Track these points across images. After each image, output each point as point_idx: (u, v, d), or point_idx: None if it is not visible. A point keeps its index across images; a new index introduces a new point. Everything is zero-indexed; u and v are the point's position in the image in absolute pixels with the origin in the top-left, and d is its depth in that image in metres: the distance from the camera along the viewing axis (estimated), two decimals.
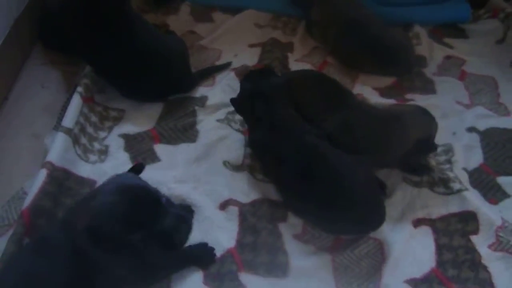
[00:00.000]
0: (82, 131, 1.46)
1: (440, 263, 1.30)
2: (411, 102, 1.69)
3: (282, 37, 1.93)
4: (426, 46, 1.92)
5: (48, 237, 1.09)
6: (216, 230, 1.31)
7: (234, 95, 1.60)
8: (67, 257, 1.02)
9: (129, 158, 1.45)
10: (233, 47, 1.85)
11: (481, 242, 1.34)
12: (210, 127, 1.55)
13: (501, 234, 1.34)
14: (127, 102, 1.60)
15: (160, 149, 1.49)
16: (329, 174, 1.26)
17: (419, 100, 1.71)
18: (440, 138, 1.48)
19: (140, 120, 1.56)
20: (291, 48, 1.89)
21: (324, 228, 1.32)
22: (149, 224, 1.00)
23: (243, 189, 1.41)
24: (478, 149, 1.57)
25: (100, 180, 1.33)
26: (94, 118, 1.53)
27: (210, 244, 1.27)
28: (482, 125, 1.64)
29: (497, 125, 1.64)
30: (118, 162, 1.42)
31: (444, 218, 1.39)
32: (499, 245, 1.33)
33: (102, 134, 1.52)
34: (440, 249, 1.33)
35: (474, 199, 1.41)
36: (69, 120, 1.44)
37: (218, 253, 1.26)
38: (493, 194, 1.46)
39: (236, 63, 1.78)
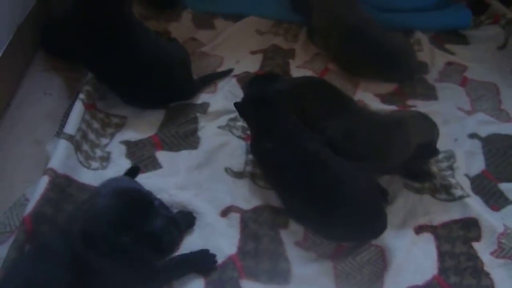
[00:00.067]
0: (84, 138, 1.46)
1: (442, 270, 1.30)
2: (413, 109, 1.69)
3: (284, 43, 1.93)
4: (427, 52, 1.93)
5: (48, 243, 1.09)
6: (217, 236, 1.31)
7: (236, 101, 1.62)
8: (66, 262, 1.03)
9: (131, 164, 1.44)
10: (235, 53, 1.86)
11: (483, 249, 1.34)
12: (212, 134, 1.55)
13: (503, 241, 1.34)
14: (129, 109, 1.60)
15: (161, 155, 1.49)
16: (330, 181, 1.26)
17: (421, 106, 1.71)
18: (442, 145, 1.47)
19: (142, 127, 1.56)
20: (292, 54, 1.89)
21: (326, 235, 1.31)
22: (139, 225, 1.00)
23: (245, 196, 1.41)
24: (480, 156, 1.57)
25: None
26: (96, 125, 1.53)
27: (212, 250, 1.27)
28: (483, 132, 1.63)
29: (498, 132, 1.64)
30: (120, 169, 1.42)
31: (446, 225, 1.38)
32: (501, 252, 1.33)
33: (104, 141, 1.52)
34: (442, 256, 1.32)
35: (476, 206, 1.40)
36: (71, 127, 1.44)
37: (220, 260, 1.26)
38: (495, 201, 1.46)
39: (237, 70, 1.78)
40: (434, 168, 1.50)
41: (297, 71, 1.82)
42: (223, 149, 1.51)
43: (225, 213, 1.37)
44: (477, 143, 1.60)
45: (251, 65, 1.82)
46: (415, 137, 1.38)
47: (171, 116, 1.60)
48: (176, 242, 1.09)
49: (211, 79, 1.75)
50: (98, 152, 1.48)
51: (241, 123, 1.59)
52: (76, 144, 1.42)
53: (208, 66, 1.81)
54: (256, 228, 1.34)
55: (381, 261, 1.29)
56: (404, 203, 1.42)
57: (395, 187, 1.45)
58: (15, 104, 1.59)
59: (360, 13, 1.85)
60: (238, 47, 1.89)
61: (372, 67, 1.80)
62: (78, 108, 1.50)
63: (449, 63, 1.92)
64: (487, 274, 1.29)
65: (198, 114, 1.61)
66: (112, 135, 1.54)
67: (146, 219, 1.01)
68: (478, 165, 1.54)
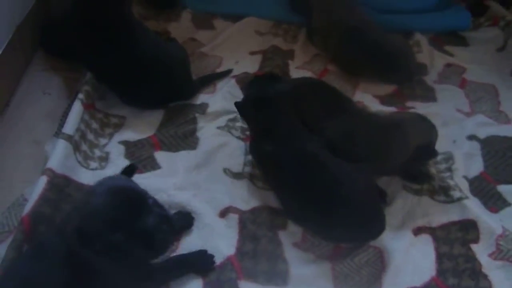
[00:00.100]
0: (82, 138, 1.46)
1: (441, 271, 1.30)
2: (412, 110, 1.69)
3: (283, 44, 1.93)
4: (426, 54, 1.93)
5: (45, 243, 1.09)
6: (216, 237, 1.31)
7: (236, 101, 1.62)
8: (63, 261, 1.03)
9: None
10: (234, 54, 1.86)
11: (481, 251, 1.34)
12: (211, 134, 1.55)
13: (501, 242, 1.34)
14: (128, 109, 1.60)
15: (160, 156, 1.49)
16: (328, 182, 1.26)
17: (420, 108, 1.71)
18: (441, 146, 1.48)
19: (140, 127, 1.56)
20: (291, 55, 1.89)
21: (324, 236, 1.31)
22: (132, 223, 1.01)
23: (243, 197, 1.41)
24: (479, 157, 1.57)
25: None
26: (95, 125, 1.53)
27: (210, 251, 1.27)
28: (482, 133, 1.63)
29: (497, 133, 1.64)
30: (118, 169, 1.37)
31: (444, 227, 1.38)
32: (499, 254, 1.33)
33: (102, 141, 1.52)
34: (440, 257, 1.32)
35: (474, 208, 1.41)
36: (70, 127, 1.44)
37: (218, 260, 1.26)
38: (494, 203, 1.45)
39: (237, 70, 1.78)
40: (432, 170, 1.50)
41: (296, 72, 1.82)
42: (222, 149, 1.51)
43: (223, 213, 1.37)
44: (476, 145, 1.60)
45: (250, 65, 1.82)
46: (414, 139, 1.38)
47: (170, 117, 1.60)
48: (169, 240, 1.09)
49: (210, 79, 1.75)
50: (97, 152, 1.48)
51: (240, 123, 1.59)
52: (75, 144, 1.42)
53: (207, 66, 1.81)
54: (254, 229, 1.34)
55: (380, 263, 1.29)
56: (402, 204, 1.42)
57: (393, 188, 1.45)
58: (14, 103, 1.59)
59: (359, 14, 1.85)
60: (238, 48, 1.89)
61: (371, 68, 1.80)
62: (77, 108, 1.50)
63: (448, 65, 1.92)
64: (485, 276, 1.29)
65: (197, 115, 1.61)
66: (111, 135, 1.54)
67: (139, 217, 1.01)
68: (476, 166, 1.54)
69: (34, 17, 1.72)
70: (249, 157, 1.48)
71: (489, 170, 1.54)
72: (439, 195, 1.45)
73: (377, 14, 1.97)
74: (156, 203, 1.10)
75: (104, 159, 1.47)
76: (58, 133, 1.45)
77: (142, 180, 1.35)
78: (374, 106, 1.72)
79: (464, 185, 1.47)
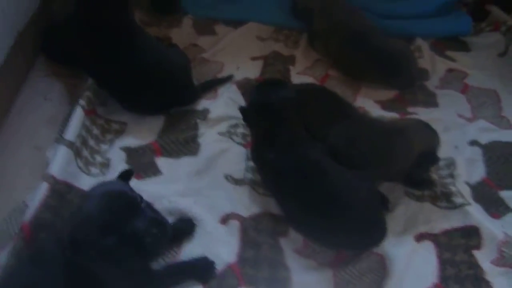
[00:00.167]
0: (84, 144, 1.46)
1: (443, 278, 1.29)
2: (414, 116, 1.69)
3: (284, 50, 1.94)
4: (428, 59, 1.93)
5: (45, 249, 1.09)
6: (217, 244, 1.30)
7: (236, 108, 1.61)
8: (63, 268, 1.03)
9: None
10: (235, 60, 1.86)
11: (484, 257, 1.33)
12: (212, 140, 1.55)
13: (504, 249, 1.33)
14: (129, 115, 1.60)
15: (161, 162, 1.48)
16: (329, 189, 1.25)
17: (421, 113, 1.71)
18: (442, 152, 1.47)
19: (141, 133, 1.56)
20: (293, 61, 1.89)
21: (326, 243, 1.31)
22: (122, 227, 1.01)
23: (245, 203, 1.40)
24: (481, 163, 1.57)
25: None
26: (96, 131, 1.53)
27: (211, 258, 1.26)
28: (484, 139, 1.63)
29: (499, 139, 1.64)
30: None
31: (446, 233, 1.37)
32: (501, 260, 1.32)
33: (103, 147, 1.52)
34: (442, 264, 1.31)
35: (476, 214, 1.40)
36: (71, 133, 1.44)
37: (219, 267, 1.26)
38: (496, 209, 1.45)
39: (238, 76, 1.78)
40: (434, 176, 1.50)
41: (297, 77, 1.82)
42: (223, 155, 1.51)
43: (224, 220, 1.36)
44: (477, 151, 1.60)
45: (252, 71, 1.82)
46: (416, 145, 1.38)
47: (171, 122, 1.60)
48: (160, 243, 1.09)
49: (212, 85, 1.75)
50: (98, 158, 1.48)
51: (241, 129, 1.59)
52: (76, 150, 1.42)
53: (208, 72, 1.81)
54: (255, 236, 1.33)
55: (382, 269, 1.28)
56: (404, 210, 1.41)
57: (395, 194, 1.44)
58: (15, 109, 1.59)
59: (361, 19, 1.86)
60: (239, 53, 1.89)
61: (373, 73, 1.80)
62: (78, 114, 1.50)
63: (449, 70, 1.92)
64: (487, 283, 1.28)
65: (198, 120, 1.61)
66: (112, 141, 1.54)
67: (129, 221, 1.01)
68: (478, 172, 1.54)
69: (35, 23, 1.72)
70: (250, 163, 1.48)
71: (491, 176, 1.53)
72: (441, 201, 1.44)
73: (378, 19, 1.97)
74: (149, 207, 1.10)
75: (105, 165, 1.47)
76: (59, 139, 1.45)
77: (143, 186, 1.36)
78: (376, 111, 1.71)
79: (466, 191, 1.46)
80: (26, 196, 1.32)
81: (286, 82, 1.62)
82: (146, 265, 1.16)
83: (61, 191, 1.32)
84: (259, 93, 1.41)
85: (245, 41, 1.95)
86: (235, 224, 1.35)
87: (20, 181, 1.39)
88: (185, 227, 1.33)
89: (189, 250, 1.29)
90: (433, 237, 1.36)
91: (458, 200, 1.43)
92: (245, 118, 1.40)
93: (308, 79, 1.81)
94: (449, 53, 2.00)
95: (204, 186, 1.43)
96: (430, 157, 1.42)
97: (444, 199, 1.44)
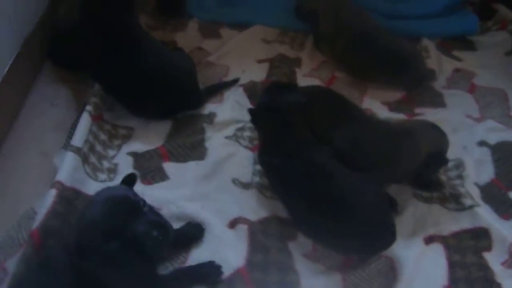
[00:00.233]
0: (91, 150, 1.47)
1: (453, 280, 1.27)
2: (421, 117, 1.68)
3: (290, 52, 1.94)
4: (435, 59, 1.92)
5: (53, 256, 1.10)
6: (225, 248, 1.30)
7: (243, 111, 1.62)
8: (71, 274, 1.04)
9: (138, 176, 1.43)
10: (241, 63, 1.86)
11: (494, 259, 1.32)
12: (219, 144, 1.55)
13: None
14: (136, 120, 1.60)
15: (169, 167, 1.48)
16: (336, 193, 1.25)
17: (429, 114, 1.70)
18: (451, 153, 1.46)
19: (148, 138, 1.56)
20: (299, 63, 1.89)
21: (334, 247, 1.30)
22: (124, 231, 1.01)
23: (252, 207, 1.40)
24: (489, 163, 1.56)
25: None
26: (103, 136, 1.53)
27: (219, 263, 1.25)
28: (493, 139, 1.62)
29: (508, 139, 1.62)
30: None
31: (456, 235, 1.36)
32: None
33: (111, 152, 1.52)
34: (452, 266, 1.30)
35: (486, 215, 1.39)
36: (78, 139, 1.44)
37: (228, 272, 1.25)
38: (506, 210, 1.43)
39: (244, 79, 1.78)
40: (443, 177, 1.49)
41: (303, 79, 1.82)
42: (230, 159, 1.51)
43: (232, 224, 1.36)
44: (486, 151, 1.59)
45: (258, 74, 1.82)
46: (424, 146, 1.37)
47: (178, 127, 1.60)
48: (161, 246, 1.09)
49: (218, 88, 1.75)
50: (106, 164, 1.48)
51: (248, 133, 1.59)
52: (84, 156, 1.42)
53: (214, 75, 1.81)
54: (264, 240, 1.32)
55: (391, 272, 1.28)
56: (413, 213, 1.40)
57: (404, 196, 1.43)
58: (22, 115, 1.60)
59: (367, 19, 1.85)
60: (244, 56, 1.89)
61: (381, 73, 1.78)
62: (85, 119, 1.51)
63: (456, 70, 1.91)
64: (498, 285, 1.26)
65: (205, 125, 1.61)
66: (119, 147, 1.54)
67: (131, 225, 1.02)
68: (487, 173, 1.53)
69: (42, 29, 1.73)
70: (258, 166, 1.48)
71: (500, 177, 1.52)
72: (450, 203, 1.43)
73: (384, 20, 1.97)
74: (152, 211, 1.11)
75: (113, 170, 1.47)
76: (66, 145, 1.46)
77: (150, 191, 1.37)
78: (383, 112, 1.70)
79: (475, 192, 1.45)
80: (34, 202, 1.33)
81: (295, 86, 1.61)
82: (151, 270, 1.16)
83: (69, 197, 1.32)
84: (267, 96, 1.41)
85: (250, 44, 1.95)
86: (243, 228, 1.35)
87: (27, 187, 1.39)
88: (193, 232, 1.32)
89: (197, 255, 1.28)
90: (442, 239, 1.35)
91: (467, 201, 1.43)
92: (253, 120, 1.40)
93: (314, 81, 1.80)
94: (455, 52, 1.99)
95: (211, 191, 1.43)
96: (438, 158, 1.41)
97: (453, 200, 1.43)
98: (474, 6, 2.15)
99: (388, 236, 1.26)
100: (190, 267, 1.25)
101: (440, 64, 1.92)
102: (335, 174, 1.28)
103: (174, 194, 1.40)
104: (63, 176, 1.33)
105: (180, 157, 1.51)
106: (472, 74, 1.89)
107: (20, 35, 1.62)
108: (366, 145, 1.39)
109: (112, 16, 1.50)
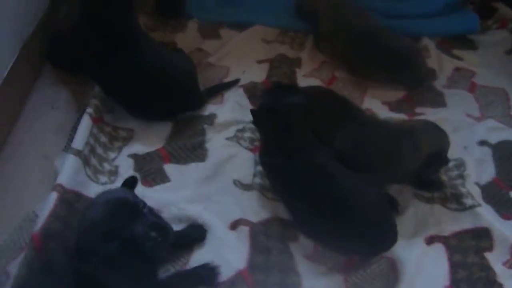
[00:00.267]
0: (92, 152, 1.47)
1: (454, 281, 1.28)
2: (422, 116, 1.68)
3: (290, 52, 1.93)
4: (435, 58, 1.91)
5: (55, 259, 1.11)
6: (226, 250, 1.30)
7: (243, 112, 1.62)
8: (72, 277, 1.04)
9: (139, 178, 1.43)
10: (241, 63, 1.85)
11: (495, 259, 1.32)
12: (220, 146, 1.55)
13: None
14: (136, 121, 1.60)
15: (169, 169, 1.48)
16: (337, 195, 1.25)
17: (429, 113, 1.70)
18: (452, 153, 1.46)
19: (149, 140, 1.56)
20: (299, 63, 1.89)
21: (335, 249, 1.30)
22: (123, 232, 1.02)
23: (254, 208, 1.40)
24: (490, 163, 1.55)
25: None
26: (103, 139, 1.53)
27: (221, 264, 1.26)
28: (493, 138, 1.62)
29: (509, 138, 1.62)
30: None
31: (457, 235, 1.36)
32: None
33: (111, 154, 1.52)
34: (454, 266, 1.30)
35: (487, 215, 1.39)
36: (79, 141, 1.44)
37: (229, 273, 1.25)
38: (507, 209, 1.43)
39: (244, 80, 1.78)
40: (444, 177, 1.49)
41: (303, 80, 1.82)
42: (231, 161, 1.51)
43: (234, 226, 1.36)
44: (487, 150, 1.59)
45: (258, 74, 1.81)
46: (425, 146, 1.37)
47: (178, 129, 1.60)
48: (160, 248, 1.09)
49: (218, 89, 1.74)
50: (106, 166, 1.48)
51: (249, 134, 1.59)
52: (84, 158, 1.42)
53: (214, 76, 1.80)
54: (265, 241, 1.32)
55: (392, 273, 1.28)
56: (414, 213, 1.40)
57: (405, 197, 1.43)
58: (22, 118, 1.59)
59: (367, 19, 1.85)
60: (244, 57, 1.89)
61: (383, 72, 1.78)
62: (85, 122, 1.51)
63: (457, 69, 1.90)
64: (500, 285, 1.26)
65: (205, 126, 1.61)
66: (119, 149, 1.54)
67: (130, 226, 1.02)
68: (488, 173, 1.53)
69: (42, 32, 1.72)
70: (259, 168, 1.48)
71: (501, 176, 1.52)
72: (451, 203, 1.43)
73: (384, 19, 1.96)
74: (152, 212, 1.11)
75: (114, 173, 1.47)
76: (67, 148, 1.46)
77: (151, 193, 1.37)
78: (383, 112, 1.70)
79: (476, 192, 1.45)
80: (35, 205, 1.33)
81: (298, 88, 1.61)
82: (152, 272, 1.16)
83: (70, 200, 1.32)
84: (269, 97, 1.41)
85: (250, 44, 1.95)
86: (244, 229, 1.35)
87: (28, 191, 1.39)
88: (195, 234, 1.33)
89: (199, 257, 1.29)
90: (443, 240, 1.36)
91: (468, 201, 1.43)
92: (255, 121, 1.40)
93: (314, 82, 1.80)
94: (456, 52, 1.98)
95: (212, 192, 1.43)
96: (439, 158, 1.41)
97: (454, 200, 1.43)
98: (474, 5, 2.15)
99: (389, 236, 1.26)
100: (188, 269, 1.25)
101: (440, 63, 1.91)
102: (336, 175, 1.28)
103: (175, 196, 1.40)
104: (64, 179, 1.33)
105: (181, 159, 1.51)
106: (472, 73, 1.88)
107: (20, 37, 1.62)
108: (367, 146, 1.39)
109: (112, 17, 1.49)
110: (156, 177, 1.46)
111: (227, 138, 1.57)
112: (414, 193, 1.45)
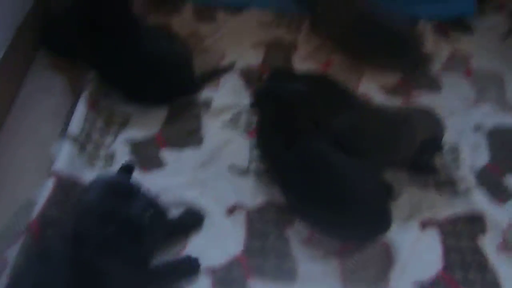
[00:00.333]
0: (88, 138, 1.47)
1: (447, 265, 1.30)
2: (417, 100, 1.68)
3: (286, 36, 1.91)
4: (431, 42, 1.89)
5: (52, 246, 1.12)
6: (223, 235, 1.31)
7: (239, 96, 1.62)
8: (69, 264, 1.05)
9: (135, 163, 1.44)
10: (237, 47, 1.83)
11: (488, 243, 1.33)
12: (215, 131, 1.55)
13: (508, 235, 1.33)
14: (132, 107, 1.59)
15: (166, 154, 1.49)
16: (334, 180, 1.26)
17: (425, 98, 1.69)
18: (446, 137, 1.46)
19: (145, 125, 1.55)
20: (295, 46, 1.87)
21: (330, 234, 1.31)
22: (117, 216, 1.03)
23: (250, 194, 1.41)
24: (485, 148, 1.55)
25: None
26: (99, 124, 1.53)
27: (217, 250, 1.28)
28: (488, 123, 1.61)
29: (503, 123, 1.62)
30: None
31: (451, 220, 1.38)
32: (506, 246, 1.33)
33: (107, 139, 1.52)
34: (447, 251, 1.32)
35: (481, 200, 1.40)
36: (74, 127, 1.44)
37: (225, 259, 1.27)
38: (500, 194, 1.44)
39: (240, 64, 1.76)
40: (438, 162, 1.49)
41: (300, 63, 1.80)
42: (228, 146, 1.51)
43: (230, 211, 1.37)
44: (482, 135, 1.59)
45: (254, 58, 1.80)
46: (419, 133, 1.37)
47: (174, 114, 1.60)
48: (155, 227, 1.10)
49: (214, 74, 1.73)
50: (102, 152, 1.48)
51: (245, 118, 1.58)
52: (80, 144, 1.42)
53: (210, 60, 1.79)
54: (261, 226, 1.34)
55: (387, 257, 1.30)
56: (408, 198, 1.41)
57: (399, 182, 1.44)
58: (17, 105, 1.58)
59: (365, 1, 1.83)
60: (240, 40, 1.86)
61: (380, 53, 1.76)
62: (81, 107, 1.51)
63: (453, 53, 1.89)
64: (492, 269, 1.29)
65: (201, 111, 1.60)
66: (115, 134, 1.53)
67: (125, 208, 1.04)
68: (483, 158, 1.53)
69: (34, 17, 1.70)
70: (255, 153, 1.48)
71: (495, 161, 1.52)
72: (445, 187, 1.44)
73: (381, 1, 1.94)
74: (146, 195, 1.12)
75: (110, 158, 1.47)
76: (63, 134, 1.46)
77: (147, 178, 1.37)
78: (380, 96, 1.70)
79: (470, 177, 1.46)
80: (32, 192, 1.33)
81: (298, 74, 1.61)
82: (147, 259, 1.18)
83: (67, 186, 1.32)
84: (268, 82, 1.40)
85: (246, 28, 1.92)
86: (240, 215, 1.36)
87: (25, 178, 1.40)
88: (192, 219, 1.34)
89: (195, 243, 1.30)
90: (437, 224, 1.37)
91: (462, 186, 1.44)
92: (254, 103, 1.39)
93: (310, 65, 1.79)
94: (452, 35, 1.97)
95: (209, 177, 1.43)
96: (433, 144, 1.42)
97: (448, 185, 1.44)
98: None
99: (384, 221, 1.27)
100: (168, 262, 1.25)
101: (436, 47, 1.89)
102: (332, 160, 1.29)
103: (171, 181, 1.41)
104: (60, 165, 1.34)
105: (177, 144, 1.51)
106: (468, 58, 1.87)
107: (12, 24, 1.60)
108: (363, 132, 1.39)
109: (106, 2, 1.48)
110: (153, 162, 1.46)
111: (223, 123, 1.57)
112: (408, 178, 1.45)
